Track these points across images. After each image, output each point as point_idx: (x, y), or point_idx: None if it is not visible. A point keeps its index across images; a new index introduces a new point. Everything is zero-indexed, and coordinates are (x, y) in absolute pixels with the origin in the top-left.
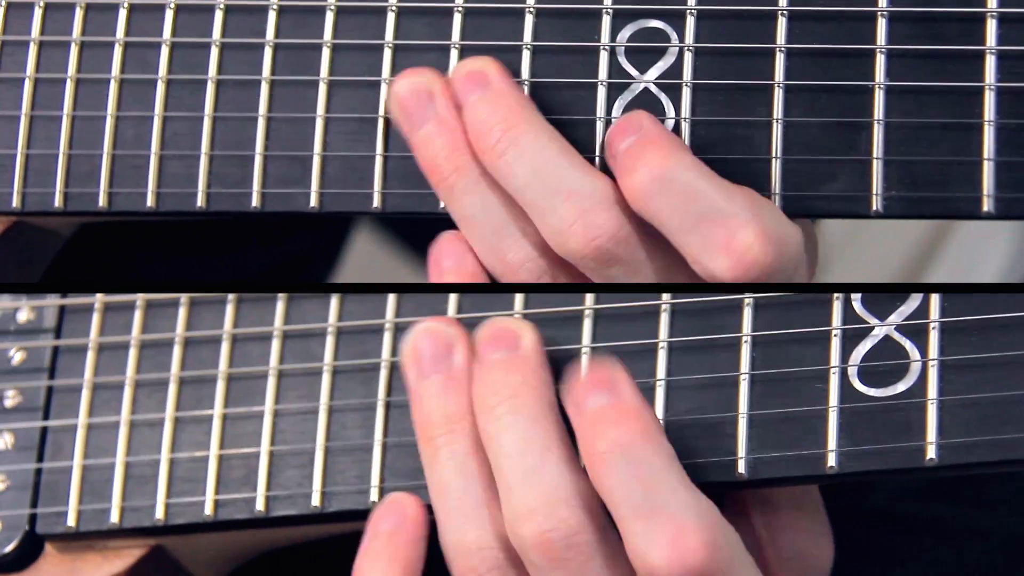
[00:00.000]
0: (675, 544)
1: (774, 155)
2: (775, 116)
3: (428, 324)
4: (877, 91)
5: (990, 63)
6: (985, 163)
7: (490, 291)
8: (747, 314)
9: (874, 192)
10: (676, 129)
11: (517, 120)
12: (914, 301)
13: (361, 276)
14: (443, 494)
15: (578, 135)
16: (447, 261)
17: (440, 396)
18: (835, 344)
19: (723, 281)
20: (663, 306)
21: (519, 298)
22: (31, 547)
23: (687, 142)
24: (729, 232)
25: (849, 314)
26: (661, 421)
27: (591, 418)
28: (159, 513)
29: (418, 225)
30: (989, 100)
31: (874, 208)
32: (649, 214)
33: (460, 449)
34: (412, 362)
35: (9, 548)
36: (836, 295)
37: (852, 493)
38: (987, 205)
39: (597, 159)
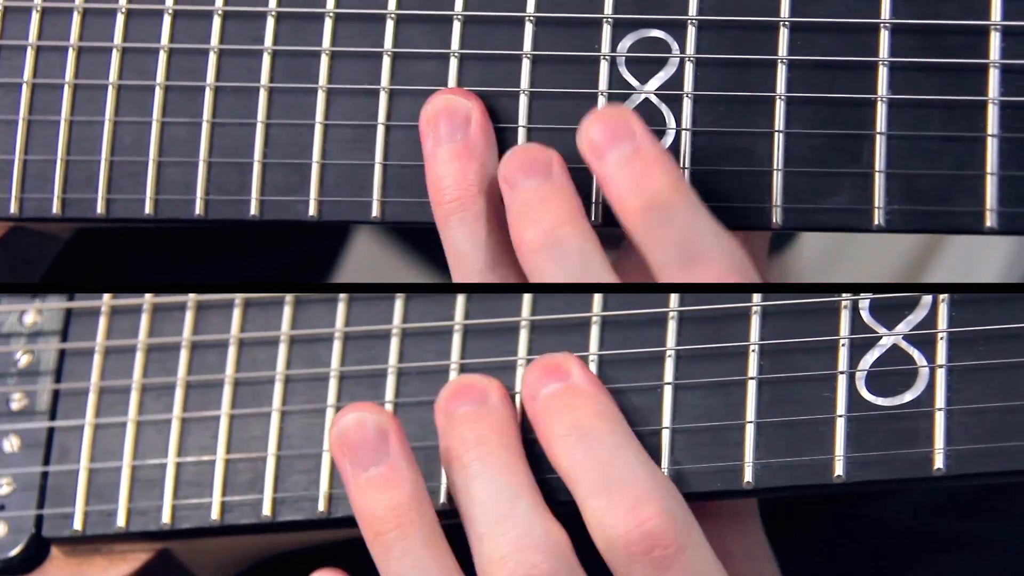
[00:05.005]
0: (633, 512)
1: (775, 167)
2: (776, 128)
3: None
4: (879, 104)
5: (993, 76)
6: (988, 177)
7: (497, 291)
8: (755, 322)
9: (876, 206)
10: (677, 140)
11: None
12: (922, 310)
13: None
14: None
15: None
16: None
17: (381, 492)
18: (843, 353)
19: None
20: (671, 314)
21: (526, 305)
22: (37, 550)
23: (687, 153)
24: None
25: (857, 323)
26: (667, 428)
27: (545, 404)
28: (165, 517)
29: (417, 234)
30: (992, 114)
31: (876, 222)
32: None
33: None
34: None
35: (15, 551)
36: (845, 304)
37: (875, 507)
38: (990, 220)
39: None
